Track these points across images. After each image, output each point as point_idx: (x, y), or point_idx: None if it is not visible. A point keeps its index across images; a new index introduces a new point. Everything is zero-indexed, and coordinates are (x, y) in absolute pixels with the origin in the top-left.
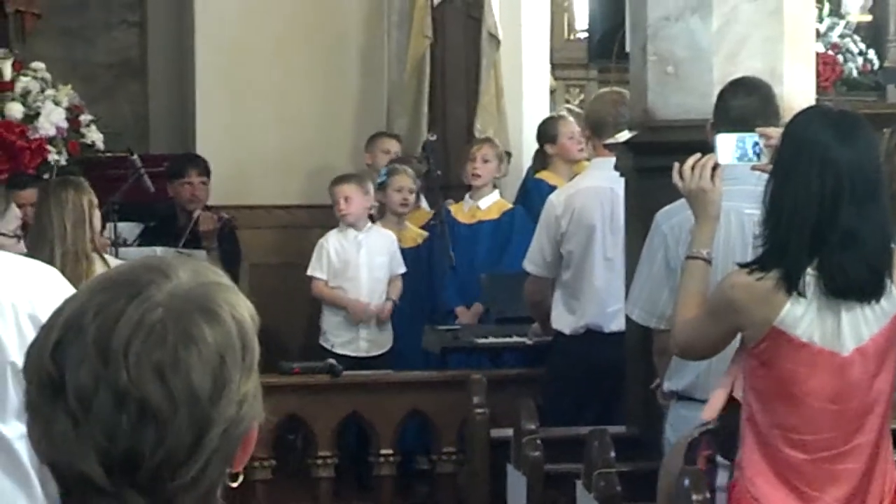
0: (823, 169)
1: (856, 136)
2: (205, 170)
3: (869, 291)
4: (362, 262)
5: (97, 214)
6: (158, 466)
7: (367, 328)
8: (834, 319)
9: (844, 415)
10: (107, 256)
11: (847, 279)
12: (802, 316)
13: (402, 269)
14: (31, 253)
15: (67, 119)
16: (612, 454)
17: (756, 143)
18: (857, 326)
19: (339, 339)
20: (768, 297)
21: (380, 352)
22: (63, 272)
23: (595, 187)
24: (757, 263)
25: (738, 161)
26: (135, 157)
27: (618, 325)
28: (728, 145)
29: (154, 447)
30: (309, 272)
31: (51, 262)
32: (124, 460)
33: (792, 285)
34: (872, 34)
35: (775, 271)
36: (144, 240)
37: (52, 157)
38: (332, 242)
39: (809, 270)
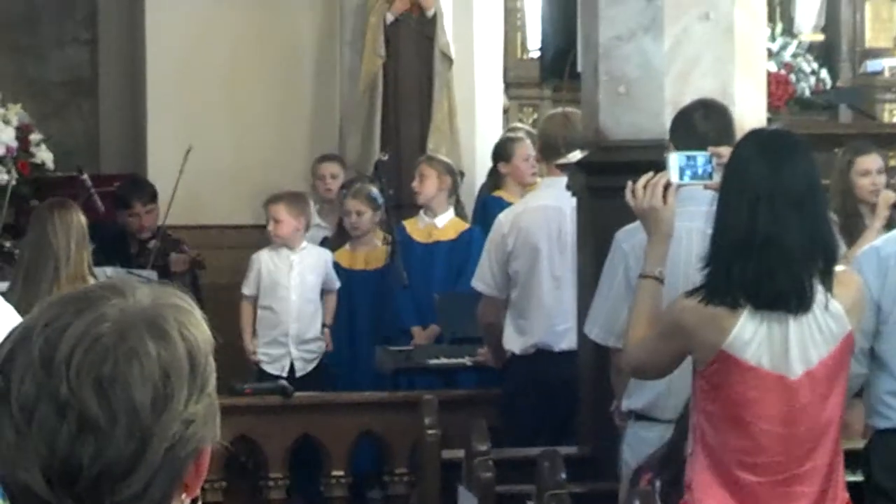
0: (742, 183)
1: (779, 152)
2: (150, 197)
3: (794, 302)
4: (293, 283)
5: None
6: (97, 479)
7: (295, 349)
8: (782, 342)
9: (795, 438)
10: (101, 278)
11: (769, 287)
12: (751, 339)
13: (337, 286)
14: (29, 273)
15: (17, 138)
16: (564, 475)
17: (708, 162)
18: (805, 350)
19: (267, 357)
20: (717, 321)
21: (306, 371)
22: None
23: (542, 206)
24: (703, 287)
25: (690, 180)
26: (84, 176)
27: (568, 343)
28: (681, 164)
29: (93, 458)
30: (242, 287)
31: (54, 281)
32: (63, 471)
33: (720, 298)
34: (825, 53)
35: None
36: (93, 260)
37: (2, 176)
38: (265, 260)
39: (738, 282)
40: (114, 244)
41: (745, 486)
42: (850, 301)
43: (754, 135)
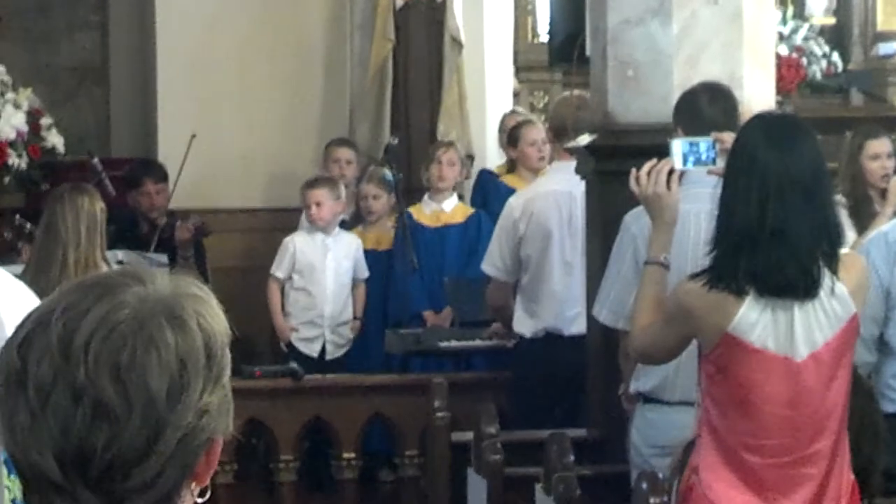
0: (750, 171)
1: (787, 138)
2: (161, 176)
3: (802, 290)
4: (329, 266)
5: (105, 224)
6: (110, 464)
7: (329, 332)
8: (787, 325)
9: (800, 420)
10: (114, 266)
11: (778, 277)
12: (756, 322)
13: (366, 274)
14: (41, 257)
15: (28, 123)
16: (571, 457)
17: (711, 148)
18: (810, 332)
19: (303, 337)
20: (721, 304)
21: (336, 356)
22: (74, 278)
23: (554, 191)
24: (709, 271)
25: (693, 166)
26: (95, 160)
27: (578, 328)
28: (684, 150)
29: (106, 444)
30: (271, 270)
31: (63, 267)
32: (76, 455)
33: (725, 283)
34: (836, 37)
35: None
36: (109, 244)
37: (13, 160)
38: (299, 244)
39: (746, 271)
40: (126, 228)
41: (752, 468)
42: (854, 283)
43: (760, 120)
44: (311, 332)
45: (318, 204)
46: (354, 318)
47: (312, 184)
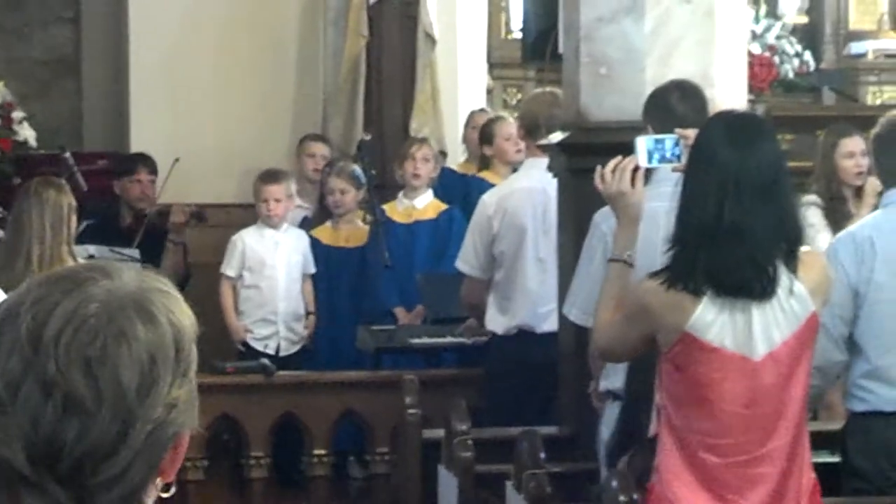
0: (708, 169)
1: (746, 137)
2: (153, 169)
3: (758, 290)
4: (280, 261)
5: (74, 218)
6: (80, 459)
7: (284, 328)
8: (745, 323)
9: (757, 419)
10: (80, 260)
11: (735, 277)
12: (713, 321)
13: (313, 270)
14: (7, 251)
15: (0, 116)
16: (542, 455)
17: (676, 145)
18: (768, 330)
19: (258, 335)
20: (679, 302)
21: (294, 350)
22: (38, 273)
23: (527, 188)
24: (667, 270)
25: (658, 163)
26: (67, 154)
27: (550, 325)
28: (649, 147)
29: (76, 439)
30: (221, 269)
31: (27, 262)
32: (46, 449)
33: (682, 282)
34: (809, 36)
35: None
36: (81, 238)
37: None
38: (248, 240)
39: (703, 270)
40: (103, 222)
41: (709, 468)
42: (814, 282)
43: (720, 118)
44: (266, 329)
45: (276, 200)
46: (309, 313)
47: (269, 179)
